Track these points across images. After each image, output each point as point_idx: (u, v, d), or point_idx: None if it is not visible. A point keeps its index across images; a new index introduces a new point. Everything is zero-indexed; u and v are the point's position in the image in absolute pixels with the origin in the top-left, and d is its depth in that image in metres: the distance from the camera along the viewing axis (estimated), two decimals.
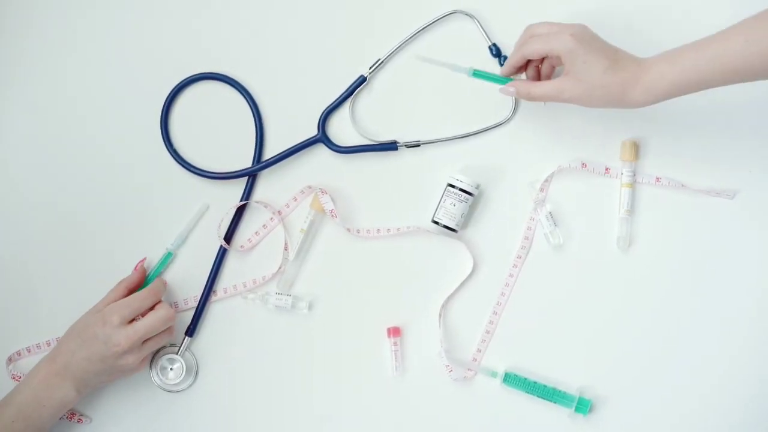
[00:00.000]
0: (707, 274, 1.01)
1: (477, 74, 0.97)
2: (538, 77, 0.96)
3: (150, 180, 1.05)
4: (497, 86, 0.96)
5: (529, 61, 0.95)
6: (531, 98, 0.93)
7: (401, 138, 1.03)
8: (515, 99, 1.02)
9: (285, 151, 1.03)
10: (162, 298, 0.98)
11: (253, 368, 1.03)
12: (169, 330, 0.97)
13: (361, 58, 1.03)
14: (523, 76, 0.97)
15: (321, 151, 1.04)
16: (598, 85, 0.88)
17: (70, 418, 1.01)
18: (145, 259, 1.02)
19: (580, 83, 0.88)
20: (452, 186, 1.00)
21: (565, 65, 0.89)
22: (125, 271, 1.03)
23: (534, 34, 0.92)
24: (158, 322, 0.94)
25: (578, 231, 1.02)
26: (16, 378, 1.01)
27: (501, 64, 1.02)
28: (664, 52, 0.88)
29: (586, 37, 0.88)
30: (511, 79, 0.96)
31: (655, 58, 0.88)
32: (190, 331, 1.02)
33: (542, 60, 0.95)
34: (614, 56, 0.88)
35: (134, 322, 0.94)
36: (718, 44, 0.85)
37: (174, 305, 1.03)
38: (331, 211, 1.01)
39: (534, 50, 0.91)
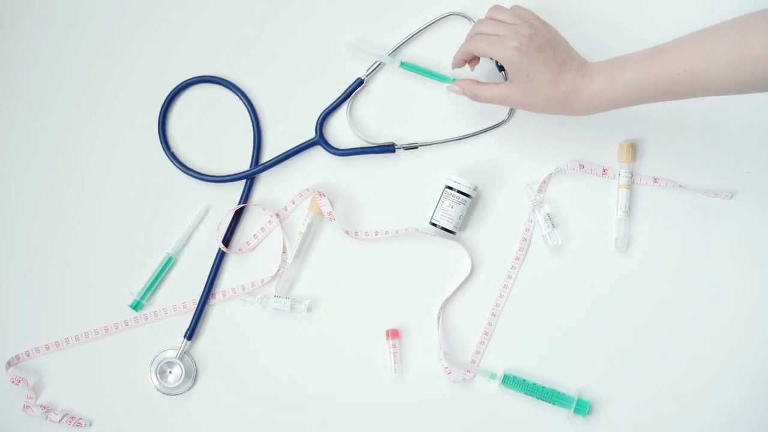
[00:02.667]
0: (705, 274, 1.01)
1: (406, 66, 0.99)
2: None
3: (147, 183, 1.05)
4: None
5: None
6: (477, 99, 0.93)
7: (399, 140, 1.03)
8: None
9: (283, 153, 1.03)
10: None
11: (252, 371, 1.03)
12: None
13: (359, 60, 1.03)
14: (468, 69, 0.98)
15: (319, 153, 1.04)
16: (540, 96, 0.88)
17: (70, 422, 1.01)
18: None
19: (523, 93, 0.89)
20: (450, 188, 1.00)
21: (509, 73, 0.90)
22: (125, 275, 1.03)
23: (480, 32, 0.91)
24: None
25: (576, 232, 1.02)
26: (16, 382, 1.01)
27: (498, 66, 1.02)
28: (611, 61, 0.88)
29: (531, 49, 0.87)
30: (444, 77, 0.99)
31: (599, 69, 0.87)
32: (189, 334, 1.02)
33: None
34: (558, 69, 0.88)
35: None
36: (663, 60, 0.84)
37: (173, 308, 1.03)
38: (329, 213, 1.01)
39: (478, 49, 0.91)
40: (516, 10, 0.92)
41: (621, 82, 0.86)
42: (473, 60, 0.95)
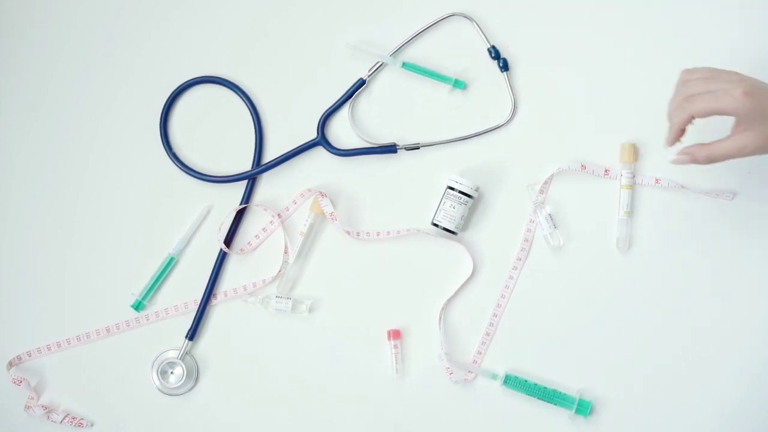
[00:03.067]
0: (707, 275, 1.01)
1: (407, 66, 1.01)
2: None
3: (149, 183, 1.05)
4: (496, 91, 0.96)
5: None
6: (712, 161, 0.85)
7: (401, 140, 1.03)
8: (514, 102, 1.02)
9: (284, 154, 1.03)
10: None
11: (254, 371, 1.03)
12: None
13: (360, 61, 1.03)
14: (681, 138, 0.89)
15: (320, 153, 1.04)
16: None
17: (71, 422, 1.01)
18: None
19: (761, 136, 0.82)
20: (452, 188, 1.00)
21: (739, 121, 0.83)
22: (126, 275, 1.03)
23: (690, 94, 0.84)
24: None
25: (578, 233, 1.02)
26: (18, 383, 1.01)
27: (500, 66, 1.02)
28: None
29: (755, 90, 0.82)
30: (446, 77, 0.99)
31: None
32: (191, 334, 1.02)
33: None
34: None
35: None
36: None
37: (174, 309, 1.03)
38: (331, 214, 1.01)
39: (703, 110, 0.83)
40: (703, 68, 0.87)
41: None
42: (681, 133, 0.88)
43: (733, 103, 0.82)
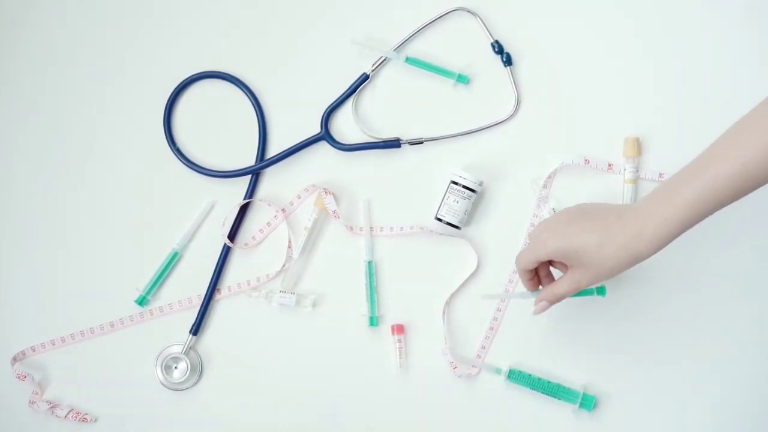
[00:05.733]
0: (710, 271, 1.01)
1: (411, 61, 1.02)
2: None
3: (153, 179, 1.05)
4: (500, 86, 0.96)
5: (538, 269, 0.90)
6: (560, 299, 0.88)
7: (404, 135, 1.03)
8: (517, 96, 1.02)
9: (288, 149, 1.03)
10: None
11: (257, 366, 1.03)
12: None
13: (364, 56, 1.04)
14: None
15: (324, 148, 1.04)
16: (604, 261, 0.82)
17: (75, 417, 1.02)
18: None
19: (587, 269, 0.83)
20: (455, 183, 1.00)
21: (563, 261, 0.85)
22: (130, 271, 1.03)
23: (520, 253, 0.88)
24: None
25: None
26: (22, 378, 1.01)
27: (503, 61, 1.02)
28: (659, 190, 0.81)
29: (561, 228, 0.84)
30: (449, 72, 1.01)
31: (651, 203, 0.81)
32: (194, 329, 1.02)
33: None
34: (603, 226, 0.82)
35: None
36: (717, 165, 0.78)
37: (179, 304, 1.03)
38: (334, 212, 1.01)
39: (522, 262, 0.87)
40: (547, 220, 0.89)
41: (682, 205, 0.79)
42: (534, 277, 0.90)
43: (544, 249, 0.84)
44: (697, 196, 0.78)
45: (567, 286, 0.86)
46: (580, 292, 0.90)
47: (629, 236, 0.81)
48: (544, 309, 0.90)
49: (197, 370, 1.03)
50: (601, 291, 0.98)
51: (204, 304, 1.03)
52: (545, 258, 0.85)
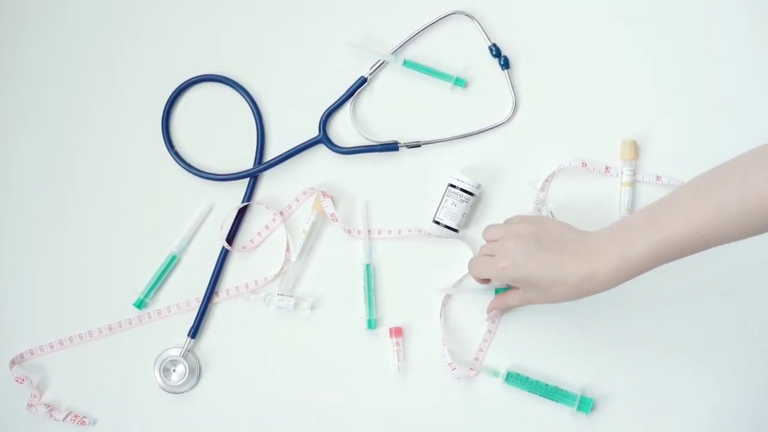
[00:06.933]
0: (709, 272, 1.01)
1: (409, 64, 1.02)
2: None
3: (151, 181, 1.05)
4: (497, 89, 0.96)
5: None
6: (509, 308, 0.98)
7: (402, 138, 1.03)
8: (515, 99, 1.03)
9: (286, 152, 1.04)
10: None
11: (256, 369, 1.03)
12: None
13: (362, 59, 1.04)
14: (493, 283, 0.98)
15: (322, 151, 1.04)
16: (556, 294, 0.86)
17: (74, 420, 1.02)
18: None
19: (539, 294, 0.88)
20: (453, 186, 1.00)
21: (517, 286, 0.91)
22: (128, 274, 1.04)
23: (478, 256, 0.92)
24: None
25: None
26: (20, 381, 1.01)
27: (501, 64, 1.02)
28: (615, 232, 0.84)
29: (519, 260, 0.86)
30: (447, 75, 1.01)
31: (605, 245, 0.83)
32: (193, 332, 1.02)
33: None
34: (558, 263, 0.84)
35: None
36: (672, 223, 0.80)
37: (177, 307, 1.04)
38: (332, 214, 1.01)
39: (477, 275, 0.92)
40: (507, 221, 0.92)
41: (634, 256, 0.82)
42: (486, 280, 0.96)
43: (498, 276, 0.88)
44: (650, 253, 0.82)
45: (518, 301, 0.93)
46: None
47: (581, 277, 0.84)
48: (495, 317, 0.99)
49: (195, 373, 1.03)
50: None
51: (202, 307, 1.03)
52: (498, 282, 0.91)
